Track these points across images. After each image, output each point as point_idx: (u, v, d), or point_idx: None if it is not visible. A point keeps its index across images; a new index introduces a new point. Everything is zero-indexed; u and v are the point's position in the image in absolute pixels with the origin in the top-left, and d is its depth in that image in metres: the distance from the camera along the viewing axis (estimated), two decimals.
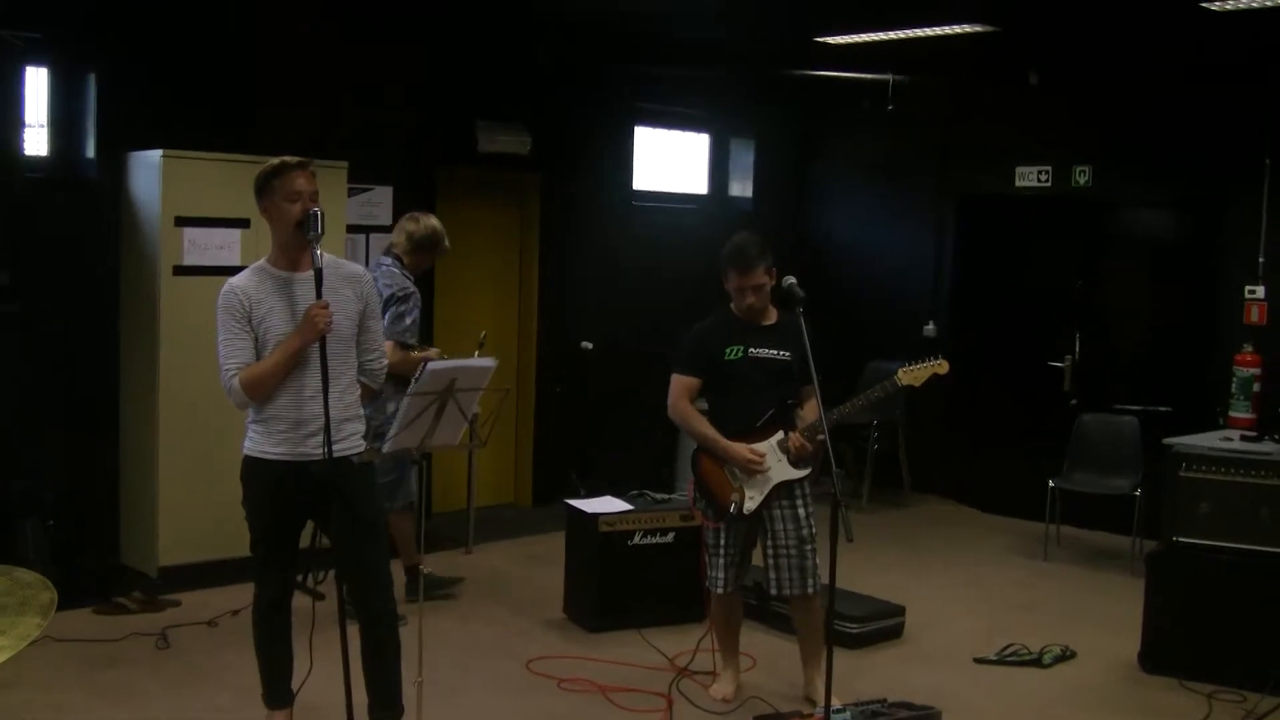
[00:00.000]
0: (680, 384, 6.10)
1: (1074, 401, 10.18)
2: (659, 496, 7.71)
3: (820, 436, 5.64)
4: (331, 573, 5.47)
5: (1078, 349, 10.38)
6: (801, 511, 5.93)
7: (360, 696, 5.04)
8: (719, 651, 6.36)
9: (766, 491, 5.90)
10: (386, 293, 6.99)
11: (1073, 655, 7.02)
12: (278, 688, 5.36)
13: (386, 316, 6.80)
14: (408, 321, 7.09)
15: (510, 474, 10.46)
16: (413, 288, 7.22)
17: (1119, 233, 10.44)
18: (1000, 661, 6.92)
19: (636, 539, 7.24)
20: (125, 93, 7.92)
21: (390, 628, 5.21)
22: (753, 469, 5.87)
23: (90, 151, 7.94)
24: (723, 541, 6.03)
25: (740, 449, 5.89)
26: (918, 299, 11.29)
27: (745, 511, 5.92)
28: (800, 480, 5.95)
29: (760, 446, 5.90)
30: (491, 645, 6.94)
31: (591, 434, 10.35)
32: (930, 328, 11.19)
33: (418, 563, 6.49)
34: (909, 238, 11.45)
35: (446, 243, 7.52)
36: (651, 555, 7.27)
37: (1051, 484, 9.24)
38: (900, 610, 7.37)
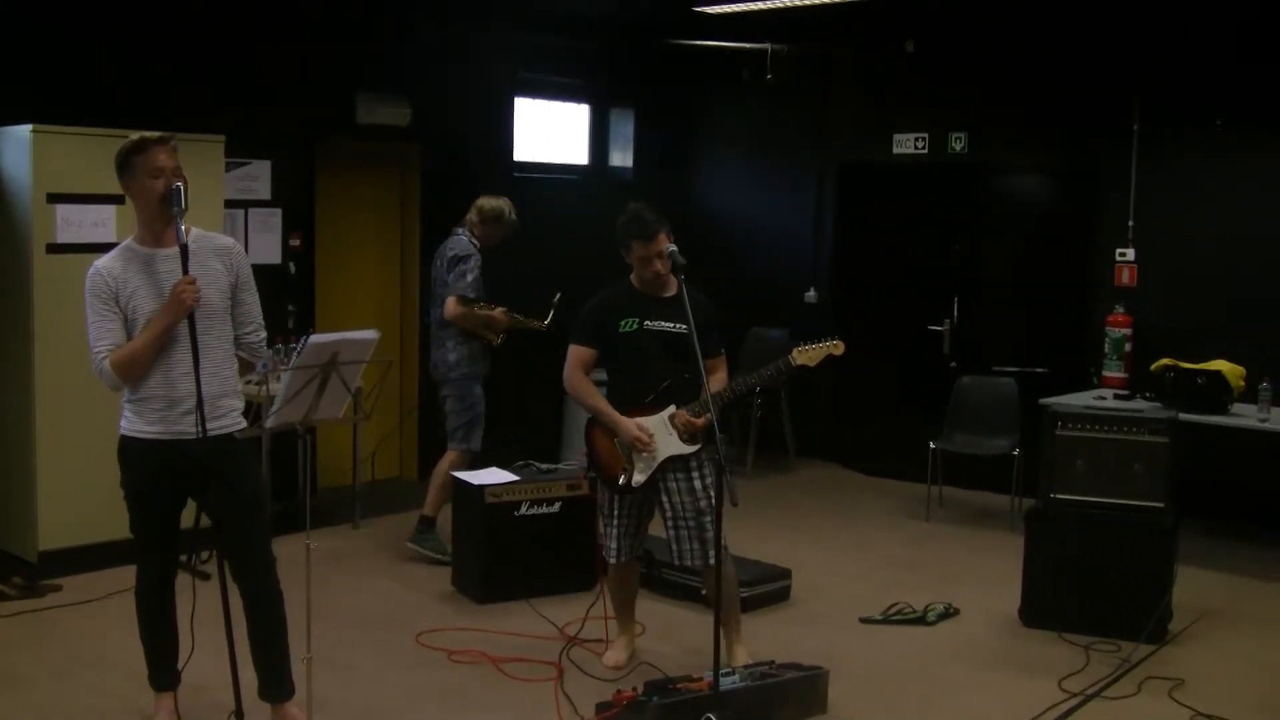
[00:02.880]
0: (576, 354, 6.09)
1: (953, 364, 10.35)
2: (545, 467, 7.71)
3: (706, 414, 5.68)
4: (215, 552, 5.42)
5: (956, 313, 10.55)
6: (698, 483, 5.92)
7: (249, 676, 5.02)
8: (614, 619, 6.39)
9: (654, 466, 5.91)
10: (450, 254, 8.00)
11: (956, 612, 7.17)
12: (164, 670, 5.31)
13: (451, 275, 7.92)
14: (469, 279, 7.88)
15: (395, 448, 10.41)
16: (473, 249, 7.98)
17: (995, 198, 10.61)
18: (885, 621, 7.04)
19: (523, 509, 7.25)
20: None
21: (274, 606, 5.17)
22: (639, 446, 5.87)
23: None
24: (616, 511, 6.06)
25: (629, 425, 5.89)
26: (799, 266, 11.39)
27: (634, 484, 5.94)
28: (696, 452, 5.94)
29: (650, 421, 5.91)
30: (381, 619, 6.92)
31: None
32: (811, 294, 11.30)
33: (434, 516, 7.97)
34: (790, 206, 11.54)
35: (511, 216, 8.18)
36: (539, 525, 7.28)
37: (933, 446, 9.40)
38: (787, 574, 7.46)
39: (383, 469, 10.20)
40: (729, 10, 9.96)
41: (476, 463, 7.95)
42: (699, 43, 10.92)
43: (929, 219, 10.80)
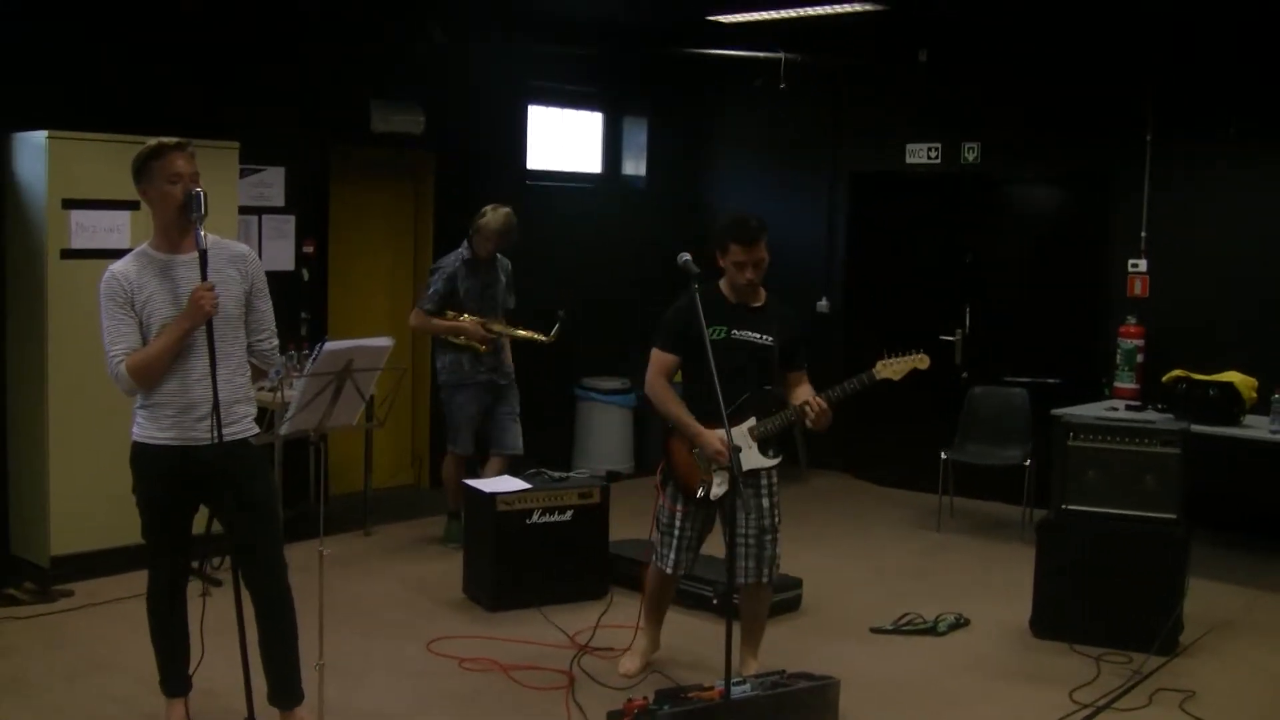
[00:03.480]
0: (659, 360, 5.98)
1: (965, 375, 10.34)
2: (557, 475, 7.70)
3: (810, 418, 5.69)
4: (227, 558, 5.43)
5: (968, 323, 10.55)
6: (766, 501, 5.87)
7: (260, 682, 5.03)
8: (642, 628, 6.38)
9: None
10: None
11: (966, 623, 7.16)
12: (175, 675, 5.31)
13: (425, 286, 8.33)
14: (429, 291, 8.24)
15: (407, 455, 10.43)
16: (447, 262, 8.31)
17: (1007, 209, 10.61)
18: (896, 631, 7.03)
19: (535, 517, 7.25)
20: (8, 72, 7.76)
21: (285, 612, 5.16)
22: (722, 461, 5.71)
23: None
24: (679, 523, 5.98)
25: (711, 438, 5.73)
26: (811, 275, 11.39)
27: (712, 497, 5.85)
28: (768, 469, 5.88)
29: (732, 432, 5.83)
30: (392, 627, 6.92)
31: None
32: (824, 303, 11.30)
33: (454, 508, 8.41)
34: (802, 215, 11.53)
35: (490, 223, 8.23)
36: (550, 533, 7.29)
37: (944, 456, 9.40)
38: (798, 583, 7.46)
39: (393, 476, 10.21)
40: (743, 19, 9.99)
41: (472, 466, 8.28)
42: (713, 51, 10.93)
43: (941, 228, 10.80)
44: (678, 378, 6.09)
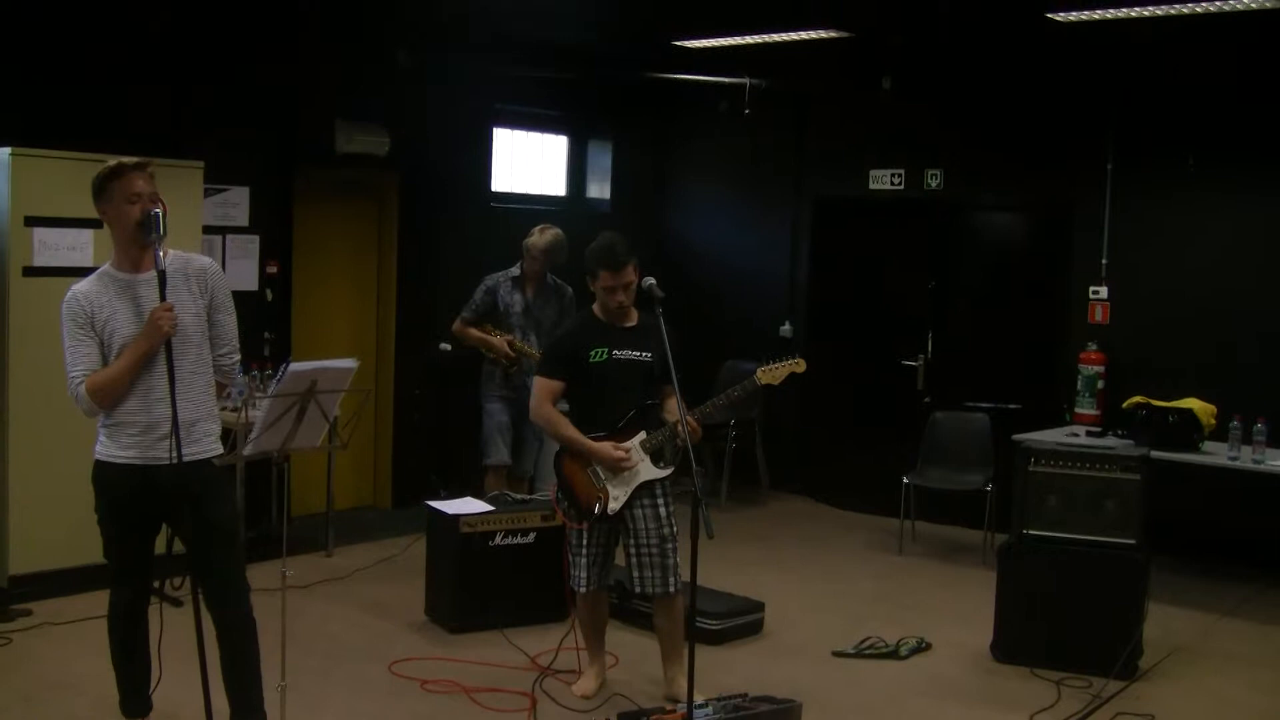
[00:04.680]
0: (543, 386, 6.12)
1: (927, 399, 10.39)
2: (519, 497, 7.71)
3: (683, 434, 5.72)
4: (188, 579, 5.40)
5: (930, 348, 10.60)
6: (663, 510, 5.99)
7: (221, 703, 5.00)
8: (584, 649, 6.40)
9: (630, 491, 5.94)
10: None
11: (928, 647, 7.18)
12: (135, 697, 5.29)
13: None
14: (470, 301, 8.42)
15: (369, 476, 10.40)
16: (493, 277, 8.44)
17: (970, 235, 10.69)
18: (858, 654, 7.05)
19: (498, 539, 7.24)
20: None
21: (246, 633, 5.13)
22: (621, 466, 5.91)
23: None
24: (585, 541, 6.08)
25: (606, 447, 5.93)
26: (774, 299, 11.44)
27: (610, 512, 5.96)
28: (661, 480, 6.02)
29: (624, 445, 5.95)
30: (353, 648, 6.89)
31: (451, 435, 10.31)
32: (786, 327, 11.34)
33: None
34: (766, 239, 11.59)
35: (534, 240, 8.33)
36: (513, 556, 7.27)
37: (906, 480, 9.43)
38: (760, 606, 7.47)
39: (355, 497, 10.18)
40: (708, 45, 10.03)
41: (512, 477, 8.41)
42: (678, 76, 10.98)
43: (904, 254, 10.86)
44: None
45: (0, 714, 5.84)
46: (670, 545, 5.97)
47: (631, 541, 5.98)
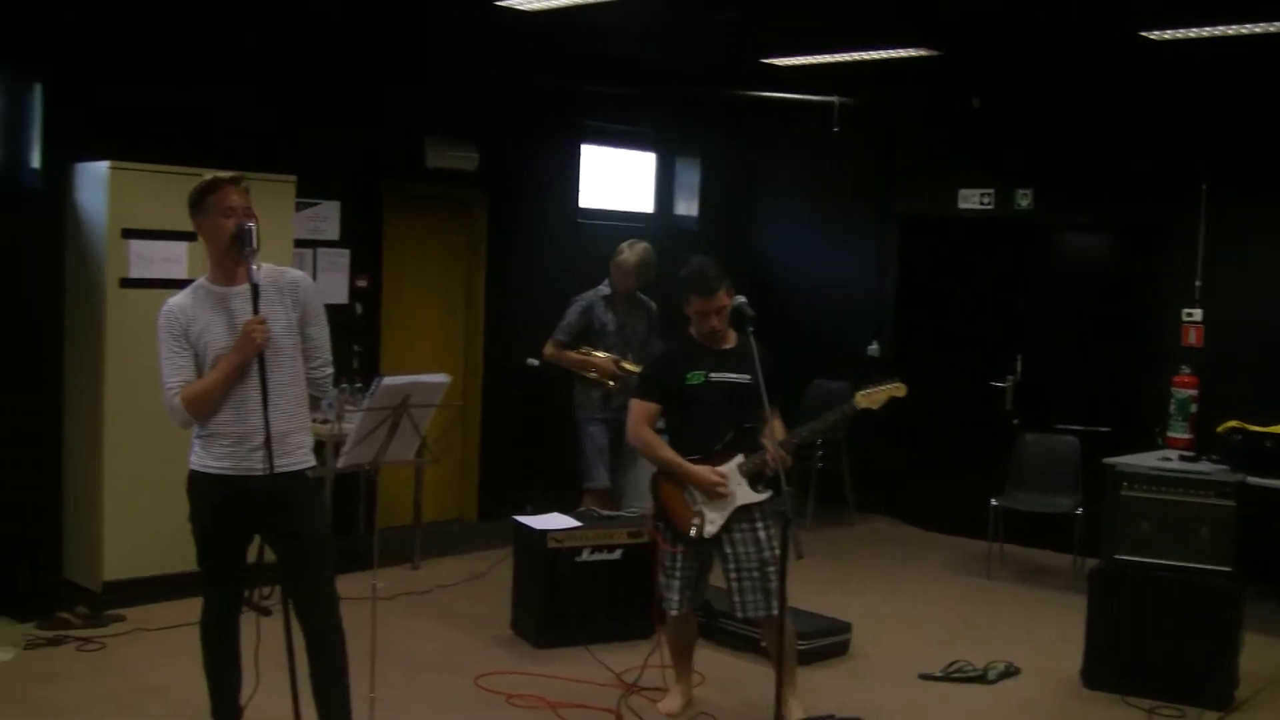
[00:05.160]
0: (640, 409, 6.09)
1: (1015, 421, 10.28)
2: (606, 514, 7.71)
3: (785, 453, 5.69)
4: (278, 588, 5.44)
5: (1019, 369, 10.49)
6: (762, 534, 5.88)
7: (310, 713, 5.03)
8: (670, 668, 6.37)
9: (728, 514, 5.89)
10: None
11: (1017, 672, 7.09)
12: (226, 704, 5.31)
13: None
14: (563, 323, 8.29)
15: (456, 489, 10.45)
16: (585, 297, 8.34)
17: (1060, 255, 10.58)
18: (945, 678, 6.97)
19: (584, 555, 7.24)
20: (72, 103, 7.87)
21: (336, 644, 5.15)
22: (717, 491, 5.85)
23: (36, 162, 7.88)
24: (679, 564, 6.02)
25: (703, 471, 5.86)
26: (862, 319, 11.38)
27: (705, 535, 5.89)
28: (760, 503, 5.91)
29: (721, 469, 5.89)
30: (440, 661, 6.93)
31: (538, 450, 10.35)
32: (874, 347, 11.28)
33: None
34: (853, 258, 11.55)
35: (625, 258, 8.23)
36: (599, 571, 7.28)
37: (994, 503, 9.33)
38: (846, 627, 7.42)
39: (441, 510, 10.23)
40: (796, 63, 10.02)
41: (611, 499, 8.23)
42: (766, 94, 10.97)
43: (993, 274, 10.76)
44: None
45: (93, 718, 5.92)
46: (771, 569, 5.86)
47: (732, 566, 5.89)
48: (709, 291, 5.91)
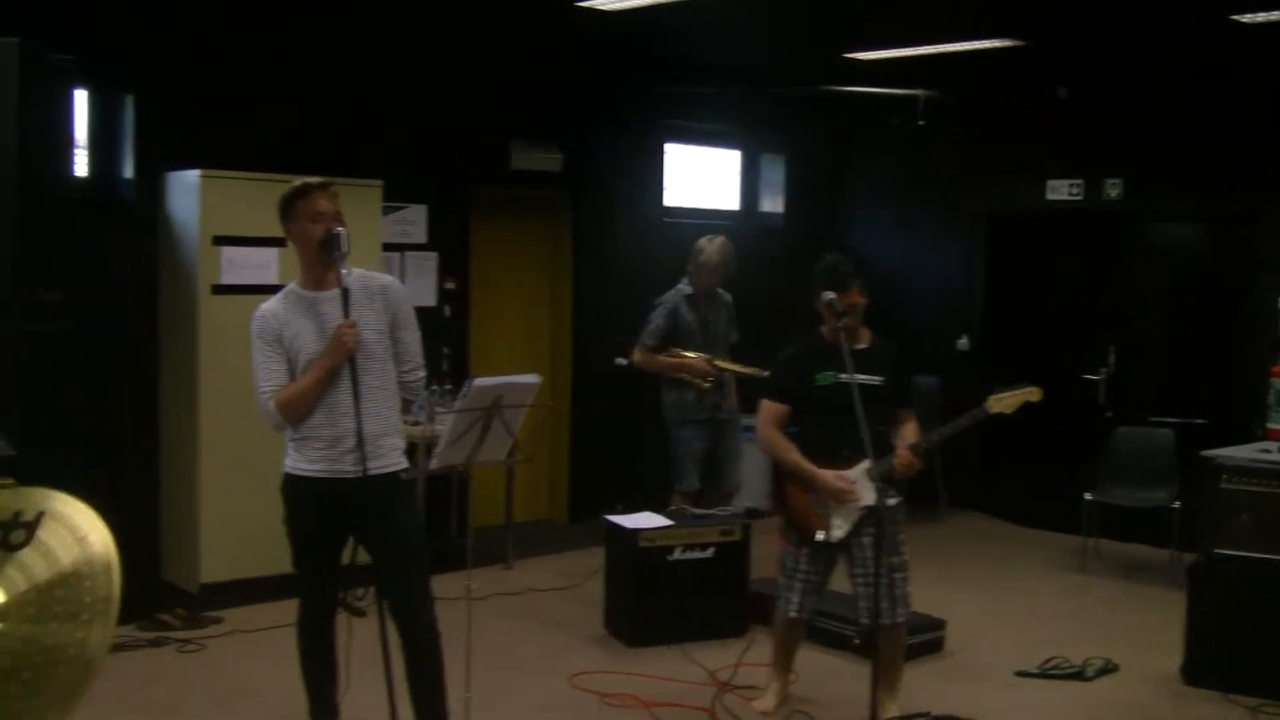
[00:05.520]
0: (769, 410, 6.01)
1: (1109, 414, 10.15)
2: (698, 512, 7.69)
3: (919, 459, 5.70)
4: (372, 589, 5.49)
5: (1112, 362, 10.36)
6: (891, 539, 5.80)
7: (407, 712, 5.06)
8: (772, 666, 6.33)
9: (855, 519, 5.83)
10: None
11: (1115, 668, 6.99)
12: (323, 704, 5.36)
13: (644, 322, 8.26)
14: (650, 326, 8.18)
15: (546, 489, 10.49)
16: (668, 298, 8.25)
17: (1152, 245, 10.41)
18: (1042, 675, 6.89)
19: (676, 554, 7.24)
20: (163, 113, 7.99)
21: (430, 645, 5.18)
22: (844, 498, 5.78)
23: (129, 172, 8.01)
24: (802, 567, 5.95)
25: (830, 476, 5.76)
26: (951, 313, 11.30)
27: (832, 539, 5.82)
28: (890, 507, 5.77)
29: (850, 474, 5.81)
30: (534, 661, 6.95)
31: (628, 450, 10.37)
32: (964, 342, 11.19)
33: None
34: (941, 252, 11.46)
35: (708, 257, 8.18)
36: (691, 570, 7.27)
37: (1088, 497, 9.22)
38: (940, 624, 7.36)
39: (532, 510, 10.26)
40: (880, 56, 9.95)
41: (699, 501, 8.10)
42: (849, 89, 10.90)
43: (1084, 265, 10.64)
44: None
45: (192, 717, 6.01)
46: (900, 575, 5.82)
47: (859, 570, 5.80)
48: (843, 288, 5.82)
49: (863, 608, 5.83)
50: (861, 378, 5.71)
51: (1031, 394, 5.76)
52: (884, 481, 5.70)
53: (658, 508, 7.77)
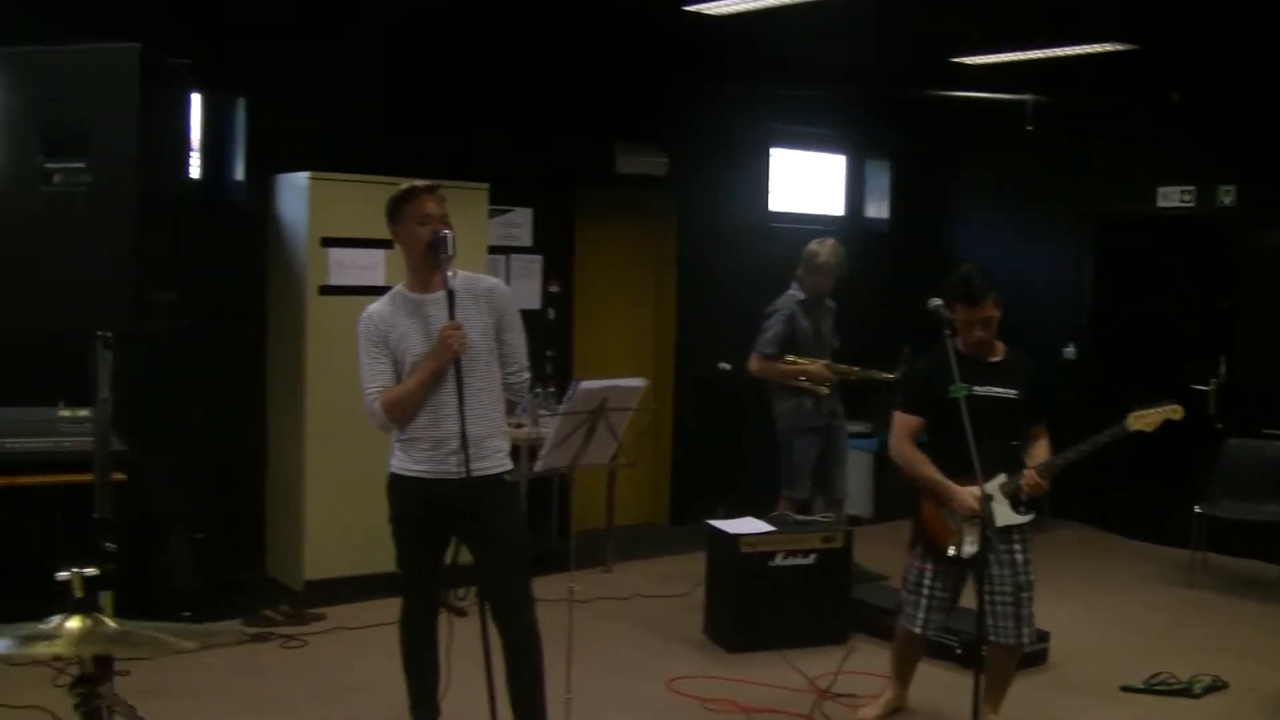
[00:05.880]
0: (902, 423, 5.93)
1: (1219, 426, 9.96)
2: (799, 518, 7.66)
3: (1047, 479, 5.63)
4: (474, 589, 5.51)
5: (1222, 372, 10.17)
6: (1020, 557, 5.71)
7: (507, 713, 5.09)
8: (890, 678, 6.28)
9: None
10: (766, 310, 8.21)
11: (1224, 686, 6.84)
12: (424, 702, 5.41)
13: (759, 330, 8.14)
14: (768, 334, 8.08)
15: (648, 493, 10.49)
16: (782, 305, 8.13)
17: (1265, 254, 10.22)
18: (1148, 690, 6.76)
19: (778, 560, 7.21)
20: (273, 116, 8.10)
21: (531, 646, 5.21)
22: (975, 514, 5.63)
23: (239, 174, 8.12)
24: (928, 582, 5.88)
25: (964, 492, 5.61)
26: (1057, 321, 11.14)
27: (964, 555, 5.70)
28: (1020, 525, 5.73)
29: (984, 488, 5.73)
30: (632, 664, 6.96)
31: (729, 454, 10.35)
32: (1070, 350, 11.04)
33: None
34: (1047, 259, 11.32)
35: (825, 259, 8.15)
36: (792, 576, 7.24)
37: (1197, 510, 9.05)
38: (1044, 636, 7.25)
39: (633, 514, 10.28)
40: (988, 61, 9.85)
41: (806, 508, 8.15)
42: (957, 93, 10.81)
43: (1195, 274, 10.46)
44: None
45: (294, 713, 6.08)
46: (1025, 595, 5.72)
47: (985, 588, 5.65)
48: (975, 300, 5.72)
49: (989, 625, 5.69)
50: (995, 390, 5.66)
51: (1174, 411, 5.64)
52: (1015, 498, 5.65)
53: (759, 513, 7.74)
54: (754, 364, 8.16)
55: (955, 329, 5.70)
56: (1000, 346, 5.83)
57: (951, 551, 5.72)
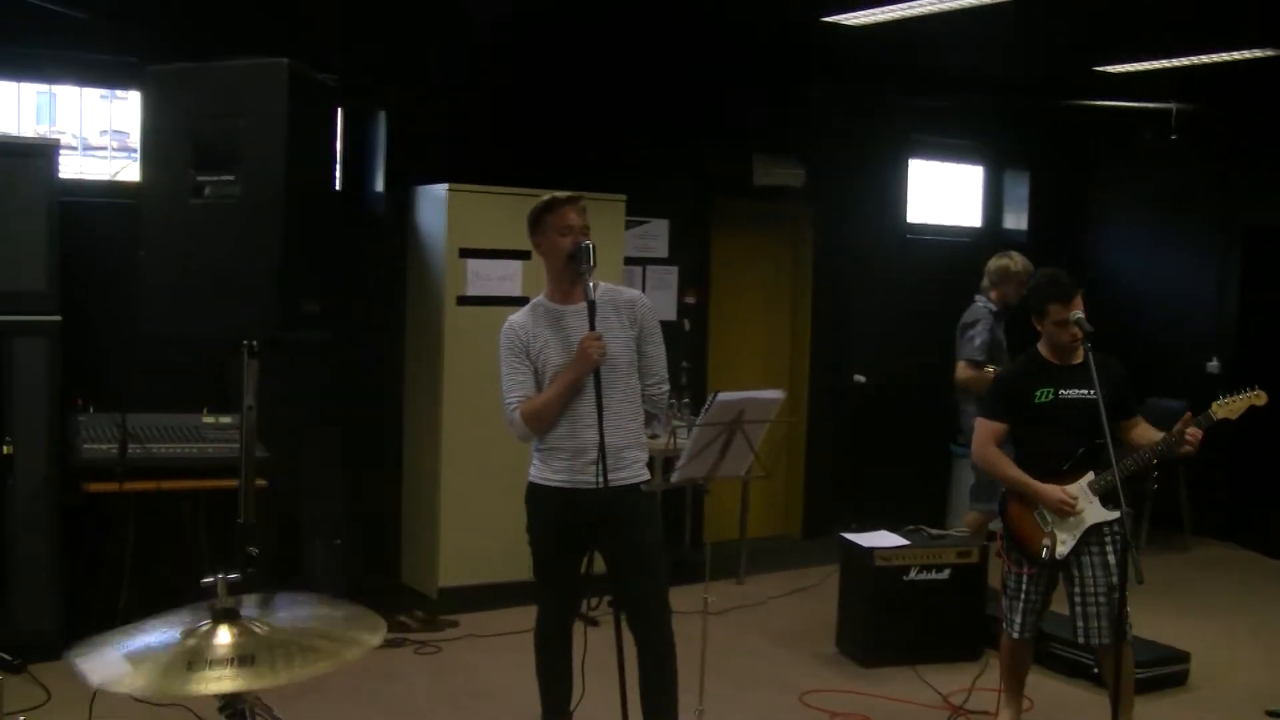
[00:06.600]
0: (986, 428, 5.93)
1: None
2: (935, 532, 7.59)
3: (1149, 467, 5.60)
4: (607, 599, 5.54)
5: None
6: (1112, 557, 5.64)
7: None
8: (1003, 693, 6.22)
9: (1079, 534, 5.69)
10: (961, 322, 8.15)
11: None
12: (556, 711, 5.44)
13: (961, 341, 8.09)
14: (976, 342, 7.97)
15: (781, 505, 10.46)
16: (982, 313, 8.06)
17: None
18: None
19: (912, 574, 7.15)
20: (413, 129, 8.23)
21: (666, 656, 5.23)
22: (1065, 510, 5.66)
23: (379, 185, 8.26)
24: (1025, 587, 5.85)
25: (1053, 490, 5.66)
26: (1200, 334, 10.92)
27: (1057, 556, 5.70)
28: (1111, 523, 5.69)
29: (1071, 488, 5.70)
30: (764, 676, 6.95)
31: (864, 468, 10.29)
32: (1214, 364, 10.81)
33: None
34: (1191, 270, 11.10)
35: (1019, 267, 8.09)
36: (927, 591, 7.18)
37: None
38: (1185, 656, 7.11)
39: (765, 526, 10.25)
40: (1131, 69, 9.69)
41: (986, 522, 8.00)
42: (1098, 103, 10.64)
43: None
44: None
45: (427, 716, 6.18)
46: (1118, 594, 5.69)
47: (1077, 590, 5.67)
48: (1068, 297, 5.70)
49: (1078, 627, 5.69)
50: (1080, 392, 5.68)
51: (1257, 398, 5.59)
52: (1105, 496, 5.64)
53: (893, 526, 7.68)
54: (962, 372, 8.09)
55: (1067, 335, 5.72)
56: (1080, 350, 5.76)
57: (1044, 554, 5.70)
